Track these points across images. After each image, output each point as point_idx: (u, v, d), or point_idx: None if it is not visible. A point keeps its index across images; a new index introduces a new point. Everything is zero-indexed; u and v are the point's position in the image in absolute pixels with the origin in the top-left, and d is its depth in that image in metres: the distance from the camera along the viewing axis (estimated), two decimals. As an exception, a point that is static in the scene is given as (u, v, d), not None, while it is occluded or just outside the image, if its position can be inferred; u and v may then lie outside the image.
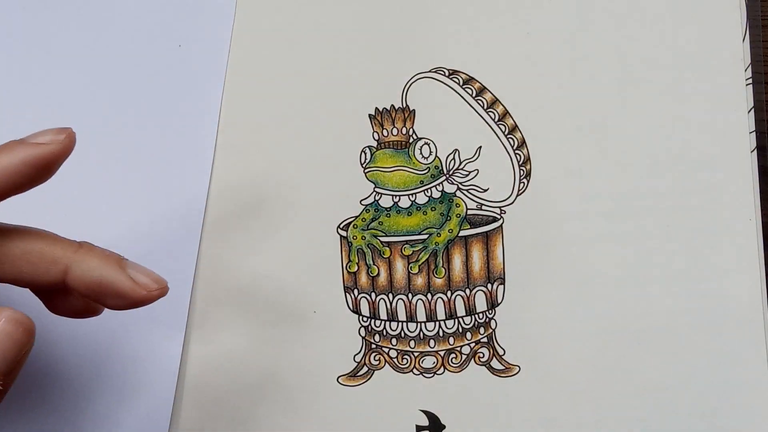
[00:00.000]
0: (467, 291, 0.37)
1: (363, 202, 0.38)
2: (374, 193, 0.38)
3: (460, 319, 0.37)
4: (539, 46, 0.38)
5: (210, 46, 0.38)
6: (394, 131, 0.38)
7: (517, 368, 0.37)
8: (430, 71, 0.38)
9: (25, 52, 0.39)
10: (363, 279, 0.37)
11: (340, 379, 0.37)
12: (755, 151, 0.37)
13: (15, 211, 0.37)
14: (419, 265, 0.37)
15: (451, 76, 0.38)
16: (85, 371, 0.36)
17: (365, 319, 0.37)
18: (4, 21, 0.39)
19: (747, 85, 0.37)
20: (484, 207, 0.37)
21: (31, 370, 0.36)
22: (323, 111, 0.38)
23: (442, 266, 0.37)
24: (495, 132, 0.38)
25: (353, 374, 0.37)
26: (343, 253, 0.37)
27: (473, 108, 0.38)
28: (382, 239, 0.37)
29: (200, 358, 0.37)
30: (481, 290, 0.37)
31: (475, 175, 0.38)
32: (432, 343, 0.37)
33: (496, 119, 0.38)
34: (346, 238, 0.37)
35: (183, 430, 0.36)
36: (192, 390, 0.36)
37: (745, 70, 0.37)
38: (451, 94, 0.38)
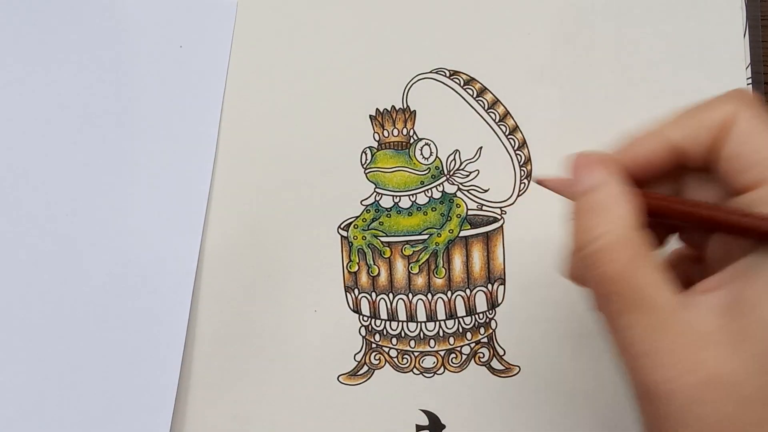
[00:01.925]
0: (467, 291, 0.37)
1: (363, 203, 0.38)
2: (375, 193, 0.38)
3: (461, 319, 0.37)
4: (539, 46, 0.38)
5: (211, 47, 0.39)
6: (395, 132, 0.38)
7: (517, 368, 0.37)
8: (430, 72, 0.38)
9: (27, 52, 0.39)
10: (363, 279, 0.37)
11: (340, 378, 0.37)
12: (755, 151, 0.36)
13: (15, 210, 0.38)
14: (419, 265, 0.37)
15: (451, 77, 0.38)
16: (86, 370, 0.36)
17: (366, 318, 0.37)
18: (6, 22, 0.39)
19: (747, 85, 0.37)
20: (484, 207, 0.37)
21: (31, 370, 0.36)
22: (324, 112, 0.38)
23: (443, 266, 0.37)
24: (496, 132, 0.38)
25: (353, 373, 0.37)
26: (344, 252, 0.37)
27: (474, 109, 0.38)
28: (383, 239, 0.37)
29: (201, 356, 0.37)
30: (482, 290, 0.37)
31: (476, 176, 0.38)
32: (432, 342, 0.37)
33: (497, 120, 0.38)
34: (346, 238, 0.37)
35: (186, 426, 0.37)
36: (193, 388, 0.37)
37: (746, 70, 0.37)
38: (451, 94, 0.38)
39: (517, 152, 0.37)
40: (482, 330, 0.37)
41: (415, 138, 0.38)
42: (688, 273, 0.29)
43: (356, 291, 0.37)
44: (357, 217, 0.38)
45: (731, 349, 0.23)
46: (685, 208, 0.26)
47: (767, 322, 0.23)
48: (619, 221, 0.25)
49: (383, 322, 0.37)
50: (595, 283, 0.26)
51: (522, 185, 0.37)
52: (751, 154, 0.25)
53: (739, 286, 0.24)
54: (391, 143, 0.38)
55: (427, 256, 0.37)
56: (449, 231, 0.37)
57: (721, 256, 0.27)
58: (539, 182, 0.30)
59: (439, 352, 0.37)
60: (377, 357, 0.37)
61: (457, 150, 0.38)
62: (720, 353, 0.23)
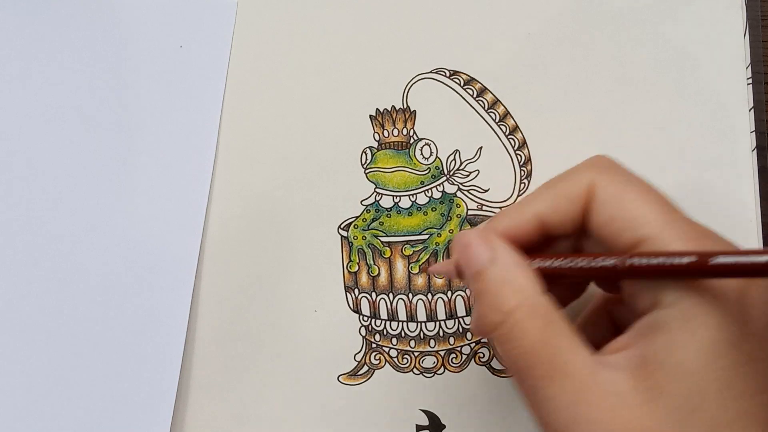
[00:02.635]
0: (468, 291, 0.37)
1: (364, 203, 0.38)
2: (375, 193, 0.38)
3: (461, 319, 0.37)
4: (539, 46, 0.38)
5: (211, 47, 0.39)
6: (395, 132, 0.38)
7: (518, 368, 0.37)
8: (430, 72, 0.38)
9: (27, 52, 0.39)
10: (363, 279, 0.37)
11: (340, 378, 0.37)
12: (755, 150, 0.36)
13: (14, 210, 0.38)
14: (420, 265, 0.37)
15: (451, 77, 0.38)
16: (86, 370, 0.36)
17: (366, 318, 0.37)
18: (6, 22, 0.39)
19: (747, 84, 0.37)
20: (484, 207, 0.37)
21: (31, 370, 0.36)
22: (324, 112, 0.38)
23: (443, 266, 0.37)
24: (496, 132, 0.38)
25: (354, 373, 0.37)
26: (344, 253, 0.37)
27: (474, 109, 0.38)
28: (383, 239, 0.37)
29: (202, 356, 0.37)
30: (482, 290, 0.37)
31: (476, 176, 0.38)
32: (432, 342, 0.37)
33: (497, 120, 0.38)
34: (346, 238, 0.37)
35: (186, 426, 0.37)
36: (194, 388, 0.37)
37: (746, 70, 0.37)
38: (451, 94, 0.38)
39: (517, 152, 0.37)
40: (482, 330, 0.37)
41: (415, 138, 0.38)
42: (601, 331, 0.30)
43: (356, 291, 0.37)
44: (357, 217, 0.38)
45: (647, 408, 0.23)
46: (585, 265, 0.26)
47: (675, 377, 0.23)
48: (523, 292, 0.25)
49: (383, 322, 0.37)
50: (512, 360, 0.25)
51: (522, 185, 0.37)
52: (619, 219, 0.26)
53: (646, 343, 0.25)
54: (391, 143, 0.38)
55: (428, 256, 0.37)
56: (449, 231, 0.37)
57: (627, 313, 0.28)
58: (431, 273, 0.30)
59: (439, 352, 0.37)
60: (377, 357, 0.37)
61: (457, 150, 0.38)
62: (638, 413, 0.23)
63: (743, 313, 0.23)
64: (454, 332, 0.37)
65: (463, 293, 0.37)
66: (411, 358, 0.37)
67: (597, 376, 0.24)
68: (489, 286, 0.26)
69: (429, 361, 0.37)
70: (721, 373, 0.23)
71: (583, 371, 0.24)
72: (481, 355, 0.37)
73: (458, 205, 0.37)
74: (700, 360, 0.23)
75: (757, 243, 0.36)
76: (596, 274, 0.26)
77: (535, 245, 0.28)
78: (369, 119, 0.38)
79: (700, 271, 0.24)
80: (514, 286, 0.26)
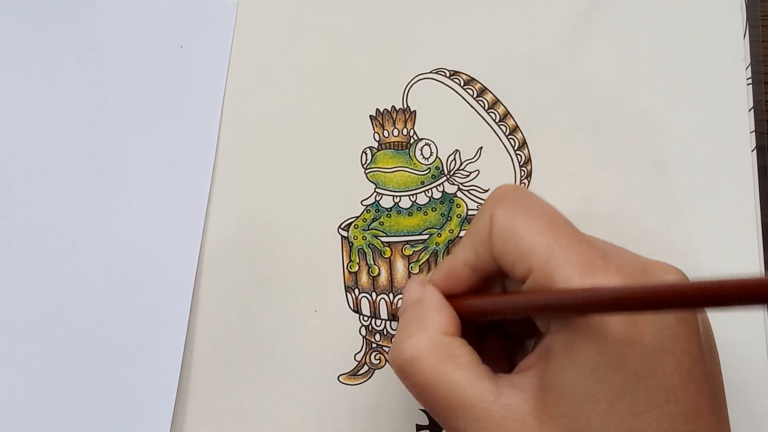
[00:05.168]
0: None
1: (364, 203, 0.38)
2: (375, 193, 0.38)
3: (461, 319, 0.37)
4: (539, 46, 0.38)
5: (211, 47, 0.39)
6: (395, 132, 0.38)
7: (518, 368, 0.37)
8: (431, 72, 0.38)
9: (26, 52, 0.39)
10: (364, 279, 0.37)
11: (340, 378, 0.37)
12: (755, 151, 0.36)
13: (14, 210, 0.38)
14: (420, 265, 0.37)
15: (452, 77, 0.38)
16: (86, 371, 0.36)
17: (366, 318, 0.37)
18: (6, 22, 0.39)
19: (747, 85, 0.37)
20: (484, 207, 0.37)
21: (31, 370, 0.36)
22: (324, 112, 0.38)
23: (443, 266, 0.37)
24: (496, 132, 0.38)
25: (354, 373, 0.37)
26: (344, 253, 0.37)
27: (474, 109, 0.38)
28: (383, 239, 0.37)
29: (202, 356, 0.37)
30: (482, 290, 0.37)
31: (476, 176, 0.38)
32: (432, 342, 0.37)
33: (497, 120, 0.38)
34: (347, 238, 0.37)
35: (186, 426, 0.37)
36: (194, 388, 0.37)
37: (746, 70, 0.37)
38: (451, 95, 0.38)
39: (517, 152, 0.37)
40: (482, 330, 0.37)
41: (415, 138, 0.38)
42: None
43: (356, 291, 0.37)
44: (357, 217, 0.38)
45: (540, 430, 0.24)
46: (487, 306, 0.28)
47: (561, 400, 0.24)
48: (425, 331, 0.27)
49: (384, 321, 0.37)
50: (414, 394, 0.27)
51: (522, 185, 0.37)
52: (511, 251, 0.26)
53: (542, 366, 0.25)
54: (391, 143, 0.38)
55: (428, 256, 0.37)
56: (449, 231, 0.37)
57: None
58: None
59: (440, 352, 0.37)
60: (377, 357, 0.37)
61: (457, 150, 0.38)
62: None
63: (631, 333, 0.23)
64: (454, 332, 0.37)
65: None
66: (411, 358, 0.37)
67: (499, 401, 0.25)
68: (401, 324, 0.28)
69: (429, 361, 0.37)
70: (606, 394, 0.23)
71: (484, 400, 0.25)
72: (481, 355, 0.37)
73: (458, 205, 0.37)
74: (582, 384, 0.24)
75: (756, 243, 0.36)
76: (498, 312, 0.27)
77: (480, 286, 0.29)
78: (369, 119, 0.38)
79: (565, 309, 0.24)
80: (420, 324, 0.27)
